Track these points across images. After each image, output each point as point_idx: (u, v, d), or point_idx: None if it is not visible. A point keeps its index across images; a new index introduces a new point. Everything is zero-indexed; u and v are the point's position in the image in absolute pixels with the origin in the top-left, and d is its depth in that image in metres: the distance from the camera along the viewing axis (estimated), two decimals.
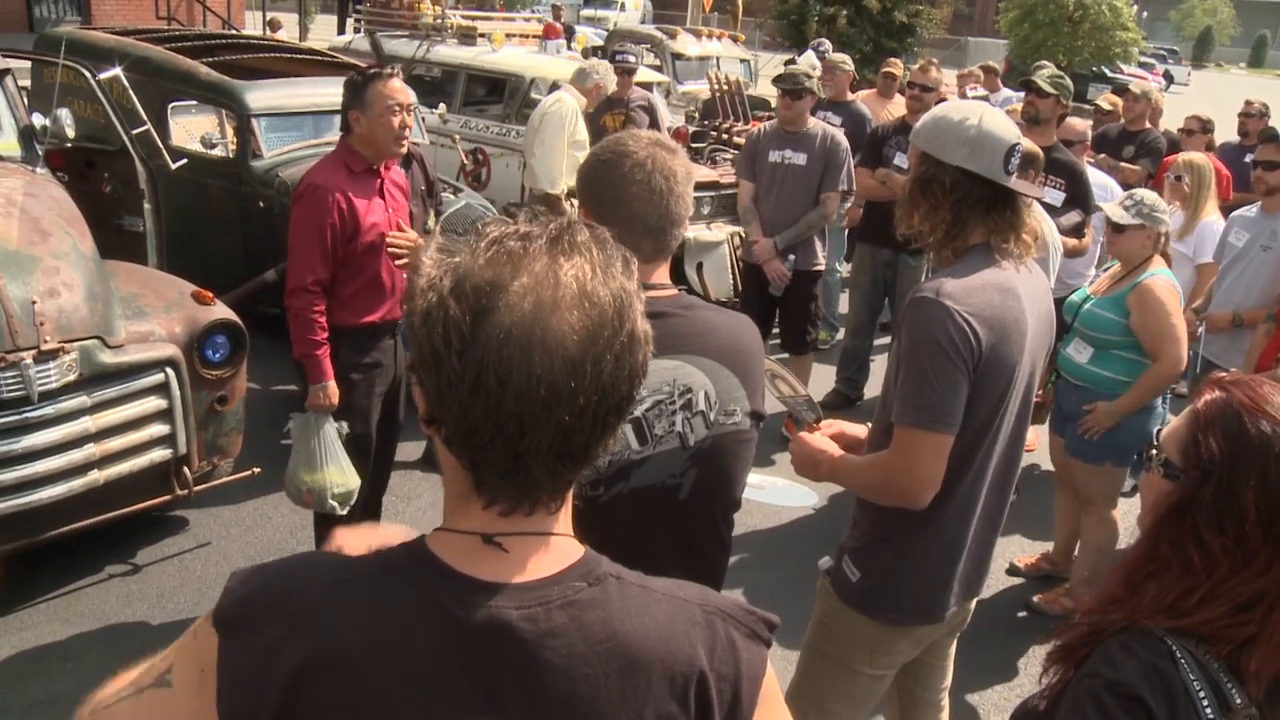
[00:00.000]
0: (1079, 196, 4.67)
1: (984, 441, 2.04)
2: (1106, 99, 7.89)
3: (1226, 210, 5.23)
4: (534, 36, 9.56)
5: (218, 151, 5.85)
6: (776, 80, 5.28)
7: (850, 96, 6.98)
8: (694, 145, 7.87)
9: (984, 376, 1.96)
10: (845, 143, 5.25)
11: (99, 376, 3.42)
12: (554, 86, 6.87)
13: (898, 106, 6.72)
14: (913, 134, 2.15)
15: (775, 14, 22.41)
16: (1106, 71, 26.92)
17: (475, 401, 0.86)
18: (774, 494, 3.83)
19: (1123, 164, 6.84)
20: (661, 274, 1.76)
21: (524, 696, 0.90)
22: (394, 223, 3.38)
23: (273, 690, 0.89)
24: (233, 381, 3.86)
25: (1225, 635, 1.27)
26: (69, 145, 4.83)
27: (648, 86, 8.01)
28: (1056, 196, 4.62)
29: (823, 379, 5.94)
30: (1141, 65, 31.65)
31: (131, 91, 5.16)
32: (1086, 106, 11.97)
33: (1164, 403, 3.83)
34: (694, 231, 6.67)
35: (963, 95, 8.64)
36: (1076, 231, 4.63)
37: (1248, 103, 7.56)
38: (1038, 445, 5.16)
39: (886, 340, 6.25)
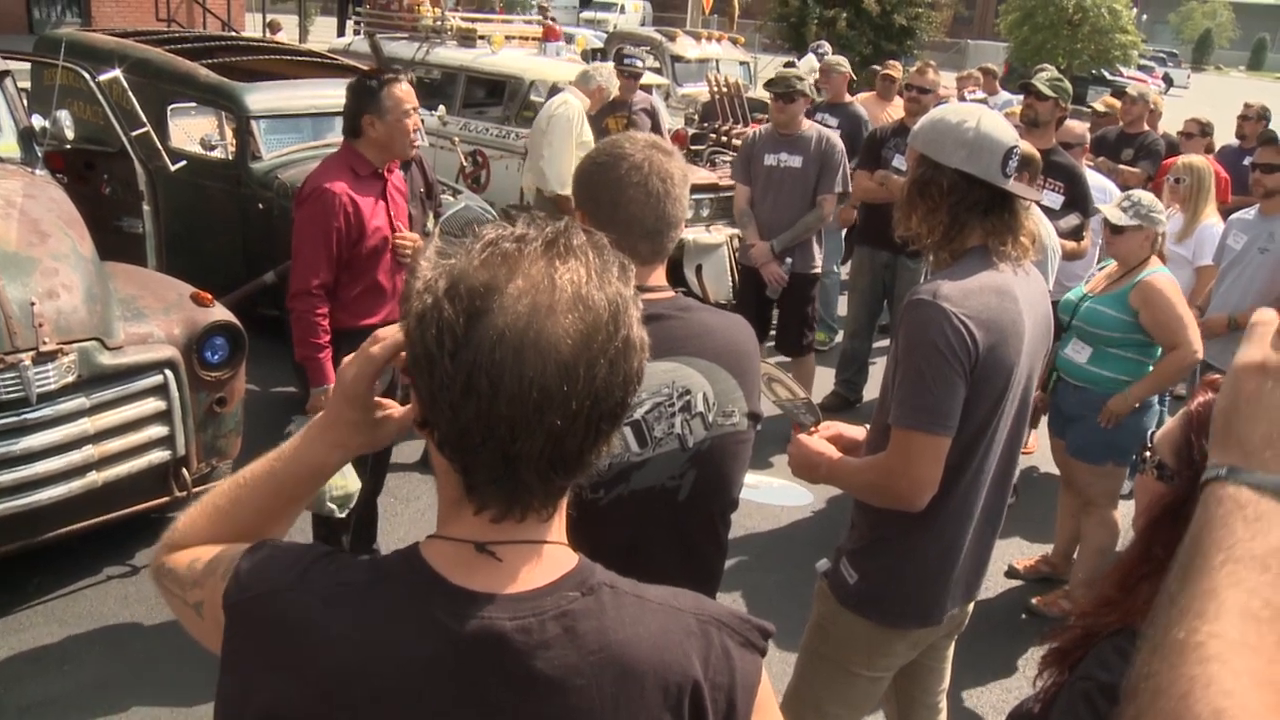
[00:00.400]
0: (1078, 199, 4.66)
1: (982, 443, 2.04)
2: (1103, 101, 7.90)
3: (1225, 213, 5.23)
4: (534, 39, 9.57)
5: (217, 153, 5.85)
6: (768, 84, 5.27)
7: (848, 98, 6.98)
8: (693, 147, 7.88)
9: (981, 379, 1.96)
10: (840, 145, 5.23)
11: (98, 378, 3.42)
12: (554, 89, 6.87)
13: (897, 109, 6.71)
14: (911, 136, 2.16)
15: (775, 16, 22.44)
16: (1106, 74, 26.94)
17: (467, 403, 0.86)
18: (770, 494, 3.84)
19: (1122, 166, 6.84)
20: (658, 276, 1.76)
21: (517, 709, 0.90)
22: (395, 226, 3.38)
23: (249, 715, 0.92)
24: (232, 383, 3.86)
25: None
26: (68, 147, 4.82)
27: (648, 89, 8.01)
28: (1055, 199, 4.61)
29: (821, 381, 5.94)
30: (1141, 68, 31.71)
31: (131, 93, 5.15)
32: (1086, 109, 11.98)
33: (1163, 404, 3.83)
34: (693, 234, 6.66)
35: (962, 98, 8.65)
36: (1075, 234, 4.62)
37: (1247, 105, 7.55)
38: (1036, 448, 5.16)
39: (885, 342, 6.25)
